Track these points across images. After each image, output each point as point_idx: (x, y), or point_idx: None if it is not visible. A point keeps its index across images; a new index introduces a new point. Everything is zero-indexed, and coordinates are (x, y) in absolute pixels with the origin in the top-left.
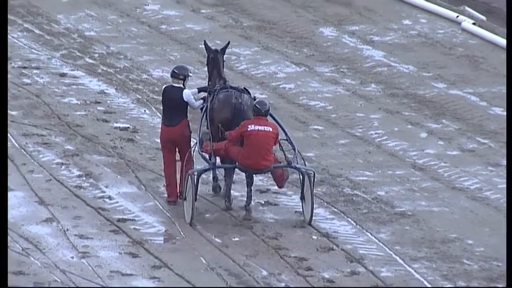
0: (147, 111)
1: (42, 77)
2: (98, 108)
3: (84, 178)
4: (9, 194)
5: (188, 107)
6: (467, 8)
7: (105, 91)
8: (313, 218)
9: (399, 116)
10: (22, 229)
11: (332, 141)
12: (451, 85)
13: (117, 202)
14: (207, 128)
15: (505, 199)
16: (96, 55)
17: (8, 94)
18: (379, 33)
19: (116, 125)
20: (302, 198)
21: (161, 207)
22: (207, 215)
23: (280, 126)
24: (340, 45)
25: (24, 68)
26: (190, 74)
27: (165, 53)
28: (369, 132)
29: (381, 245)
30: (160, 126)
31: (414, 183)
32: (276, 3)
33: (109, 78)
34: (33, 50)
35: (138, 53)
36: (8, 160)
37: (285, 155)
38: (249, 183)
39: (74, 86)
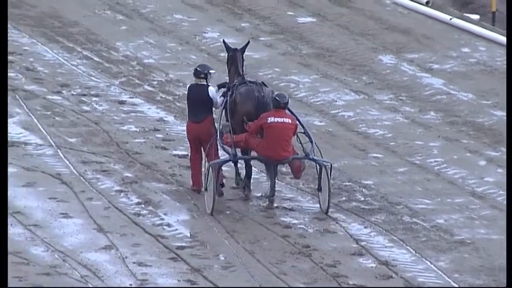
0: None
1: (101, 105)
2: (157, 135)
3: (143, 205)
4: (68, 221)
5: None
6: None
7: (164, 118)
8: (372, 245)
9: (458, 144)
10: (81, 256)
11: (391, 169)
12: None
13: (176, 229)
14: (227, 120)
15: None
16: (155, 82)
17: (67, 121)
18: (438, 61)
19: (174, 152)
20: (319, 189)
21: (219, 235)
22: (265, 243)
23: (297, 119)
24: (399, 72)
25: (84, 95)
26: (211, 72)
27: (223, 80)
28: (428, 160)
29: (440, 273)
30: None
31: (473, 211)
32: (335, 30)
33: (168, 106)
34: (92, 78)
35: None
36: (67, 187)
37: (302, 147)
38: (272, 175)
39: (133, 114)
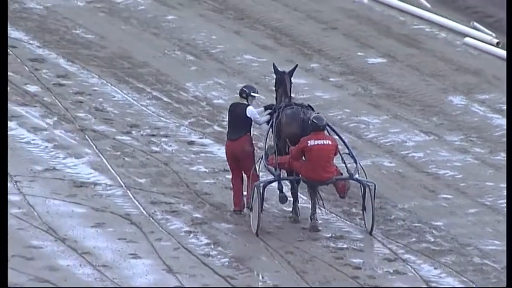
0: None
1: (171, 145)
2: (226, 176)
3: (212, 246)
4: (137, 262)
5: (252, 123)
6: None
7: None
8: (442, 287)
9: None
10: None
11: (461, 210)
12: None
13: (245, 271)
14: (274, 142)
15: None
16: (225, 123)
17: (137, 162)
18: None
19: (244, 193)
20: (364, 209)
21: (289, 276)
22: (334, 284)
23: (340, 138)
24: (469, 113)
25: (153, 135)
26: (254, 94)
27: None
28: (498, 201)
29: None
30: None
31: None
32: (405, 71)
33: None
34: (161, 118)
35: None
36: (136, 228)
37: (346, 167)
38: (313, 194)
39: (202, 154)
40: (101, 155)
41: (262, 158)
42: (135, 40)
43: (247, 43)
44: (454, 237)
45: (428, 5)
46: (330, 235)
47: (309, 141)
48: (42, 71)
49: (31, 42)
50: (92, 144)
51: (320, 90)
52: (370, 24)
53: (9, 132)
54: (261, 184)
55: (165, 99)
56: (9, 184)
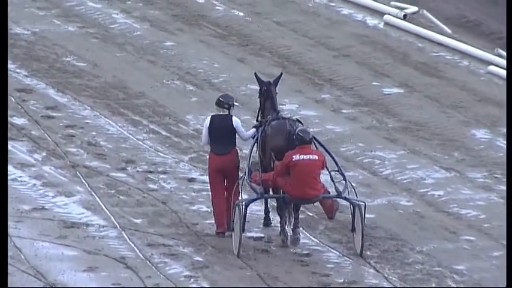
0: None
1: (169, 182)
2: None
3: None
4: None
5: (237, 137)
6: None
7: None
8: None
9: None
10: None
11: (485, 253)
12: None
13: None
14: (259, 157)
15: None
16: None
17: (132, 201)
18: None
19: (249, 234)
20: (353, 230)
21: None
22: None
23: (329, 153)
24: (493, 148)
25: (150, 172)
26: (235, 104)
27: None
28: None
29: None
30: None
31: None
32: (424, 102)
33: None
34: (159, 153)
35: None
36: (132, 272)
37: (335, 185)
38: (294, 211)
39: (204, 192)
40: (93, 193)
41: (245, 174)
42: (131, 68)
43: (252, 72)
44: (477, 282)
45: (449, 31)
46: (342, 280)
47: (294, 156)
48: (29, 102)
49: (18, 71)
50: (84, 181)
51: (331, 123)
52: (385, 51)
53: None
54: (243, 202)
55: (164, 132)
56: None
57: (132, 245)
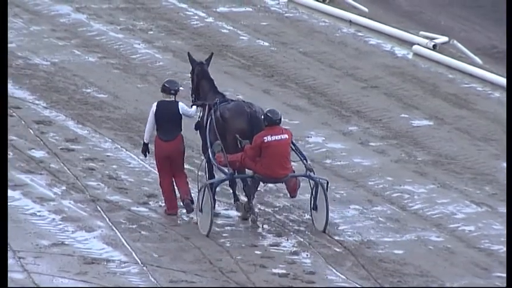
0: (308, 255)
1: (192, 217)
2: (256, 252)
3: None
4: None
5: (182, 120)
6: None
7: (262, 233)
8: None
9: None
10: None
11: None
12: None
13: None
14: (214, 140)
15: None
16: None
17: (155, 236)
18: None
19: (274, 271)
20: (314, 208)
21: None
22: None
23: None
24: None
25: None
26: (180, 88)
27: (330, 190)
28: None
29: None
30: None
31: None
32: (454, 135)
33: (267, 219)
34: None
35: (300, 191)
36: None
37: (304, 163)
38: (253, 191)
39: (228, 227)
40: (114, 228)
41: (208, 156)
42: (153, 100)
43: (278, 103)
44: None
45: (480, 61)
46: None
47: (266, 138)
48: (49, 135)
49: (36, 102)
50: (104, 216)
51: (359, 156)
52: (414, 83)
53: (12, 203)
54: (214, 183)
55: (186, 166)
56: (11, 261)
57: (155, 281)
